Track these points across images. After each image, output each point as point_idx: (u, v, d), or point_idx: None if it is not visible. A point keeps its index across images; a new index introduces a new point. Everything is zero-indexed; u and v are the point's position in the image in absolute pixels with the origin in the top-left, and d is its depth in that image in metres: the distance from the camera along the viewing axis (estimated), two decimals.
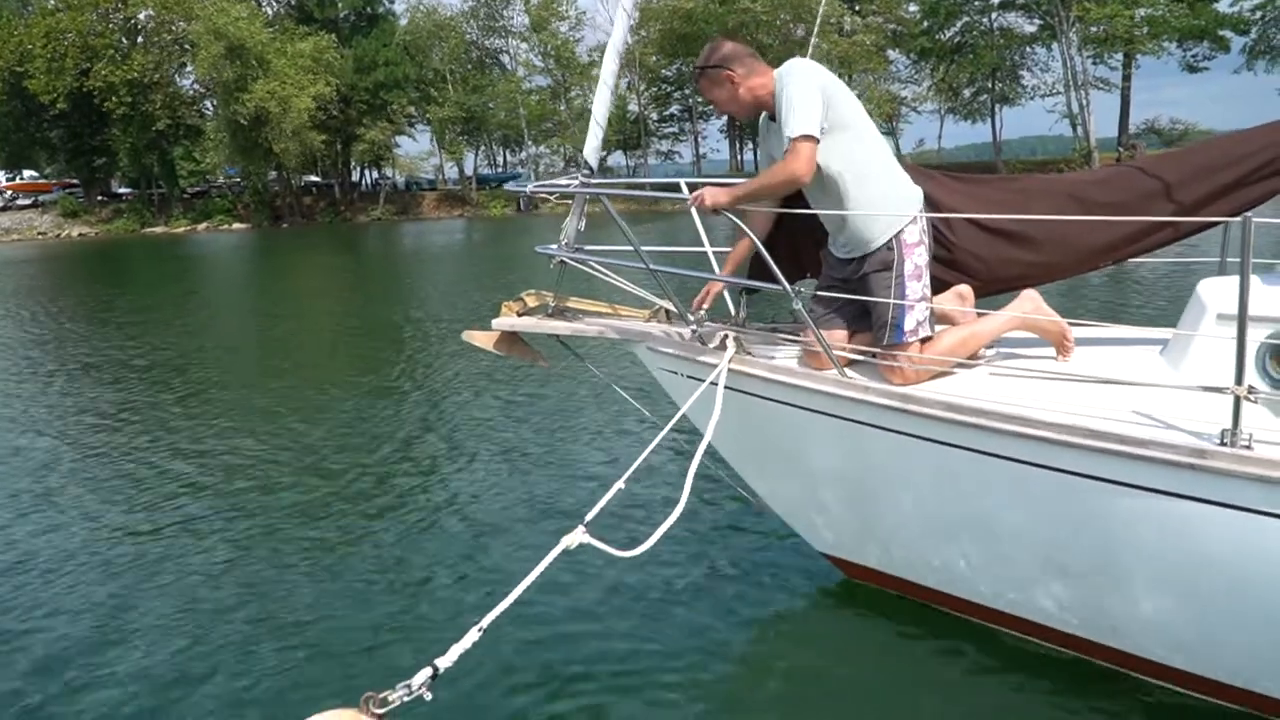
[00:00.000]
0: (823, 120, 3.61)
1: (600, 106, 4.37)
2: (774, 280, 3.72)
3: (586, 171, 4.36)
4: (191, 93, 66.82)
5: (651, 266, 4.04)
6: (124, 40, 62.57)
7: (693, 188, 4.28)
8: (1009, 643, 3.84)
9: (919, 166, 4.19)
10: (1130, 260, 4.10)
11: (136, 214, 66.17)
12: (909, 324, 3.71)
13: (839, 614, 4.36)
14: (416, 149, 77.21)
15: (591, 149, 4.40)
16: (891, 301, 3.70)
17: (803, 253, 4.19)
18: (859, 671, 3.86)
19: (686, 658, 4.00)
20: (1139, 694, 3.50)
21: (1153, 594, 3.28)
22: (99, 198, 69.52)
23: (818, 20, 5.81)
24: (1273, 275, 3.52)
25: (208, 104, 65.98)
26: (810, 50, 5.06)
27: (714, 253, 4.52)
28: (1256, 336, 2.98)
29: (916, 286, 3.74)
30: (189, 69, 64.11)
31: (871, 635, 4.10)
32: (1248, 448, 2.86)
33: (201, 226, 63.87)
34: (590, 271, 4.42)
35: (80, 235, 62.71)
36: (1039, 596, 3.65)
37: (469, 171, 68.89)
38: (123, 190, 73.84)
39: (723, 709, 3.70)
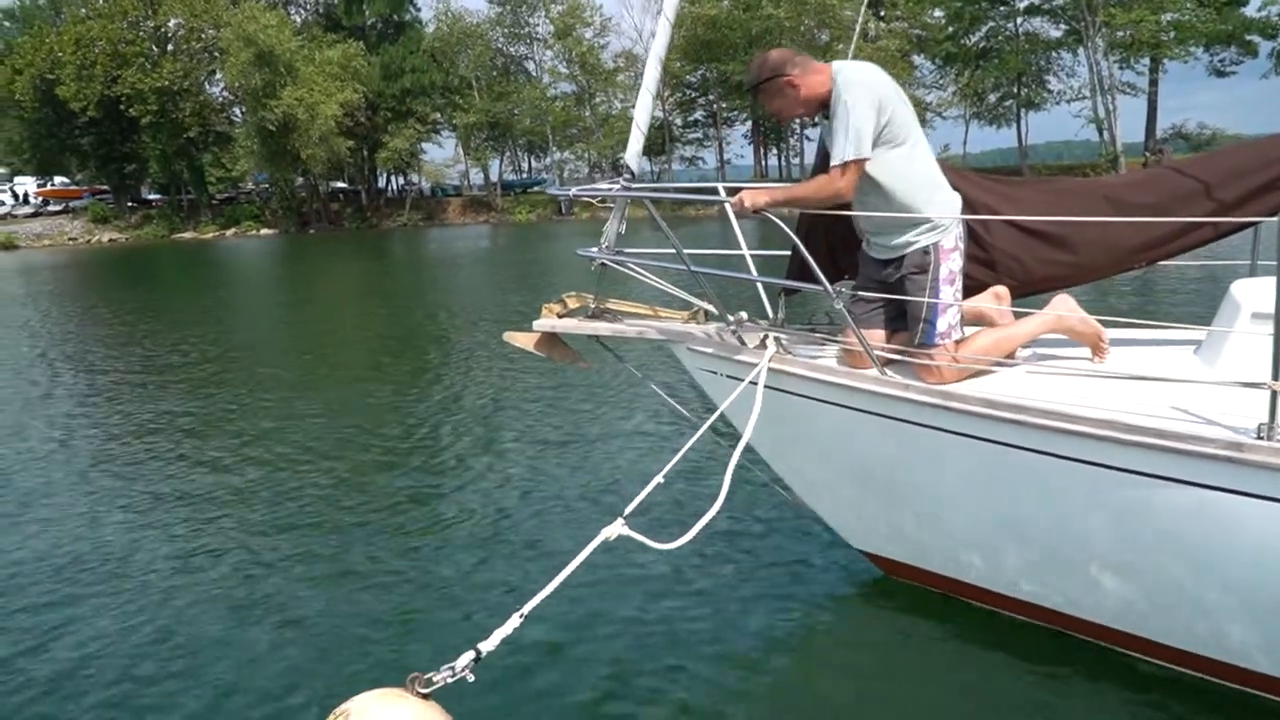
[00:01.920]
0: (876, 134, 3.70)
1: (642, 113, 4.46)
2: (814, 280, 3.81)
3: (628, 176, 4.44)
4: (220, 100, 67.62)
5: (693, 268, 4.14)
6: (154, 48, 63.36)
7: (730, 192, 4.38)
8: (1047, 637, 3.91)
9: (958, 169, 4.27)
10: (1163, 262, 4.18)
11: (166, 220, 66.99)
12: (941, 326, 3.80)
13: (876, 611, 4.43)
14: (442, 155, 77.94)
15: (633, 154, 4.49)
16: (926, 300, 3.79)
17: (840, 255, 4.28)
18: (896, 667, 3.93)
19: (722, 651, 4.09)
20: (1183, 690, 3.55)
21: (1195, 587, 3.35)
22: (129, 204, 70.32)
23: (856, 35, 5.85)
24: None
25: (236, 111, 66.74)
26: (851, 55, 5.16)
27: (751, 255, 4.61)
28: None
29: (949, 291, 3.83)
30: (218, 76, 64.90)
31: (909, 632, 4.17)
32: None
33: (230, 232, 64.57)
34: (628, 274, 4.53)
35: (110, 241, 63.50)
36: (1078, 591, 3.72)
37: (494, 177, 69.30)
38: (152, 196, 74.78)
39: (759, 703, 3.77)
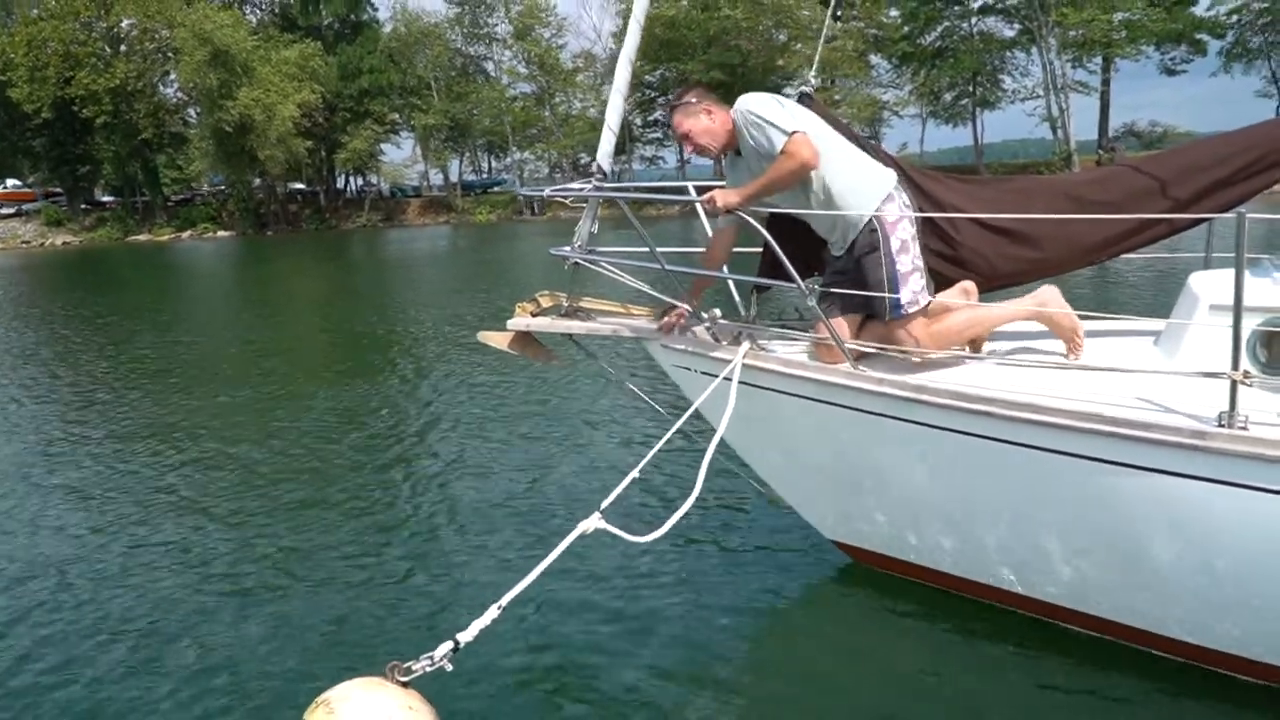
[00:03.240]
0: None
1: (613, 114, 4.52)
2: (786, 277, 3.89)
3: (600, 176, 4.50)
4: (175, 100, 66.60)
5: (667, 267, 4.21)
6: (106, 49, 62.27)
7: (700, 190, 4.47)
8: (1018, 623, 4.03)
9: (922, 169, 4.39)
10: (1122, 255, 4.32)
11: (120, 222, 65.82)
12: (905, 296, 3.92)
13: (848, 598, 4.54)
14: (401, 156, 77.15)
15: (604, 154, 4.54)
16: (884, 275, 3.89)
17: (807, 253, 4.37)
18: (867, 653, 4.04)
19: (698, 640, 4.18)
20: (1151, 672, 3.67)
21: (1160, 569, 3.47)
22: (82, 206, 69.04)
23: (821, 38, 5.91)
24: (1259, 268, 3.73)
25: (191, 112, 65.79)
26: (814, 67, 5.27)
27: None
28: (1248, 325, 3.18)
29: (905, 260, 3.95)
30: (172, 77, 63.89)
31: (880, 618, 4.28)
32: (1244, 429, 3.08)
33: (186, 234, 63.60)
34: (598, 273, 4.57)
35: (64, 244, 62.32)
36: (1048, 576, 3.84)
37: (454, 178, 68.89)
38: (106, 198, 73.42)
39: (734, 688, 3.86)
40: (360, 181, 73.96)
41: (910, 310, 3.93)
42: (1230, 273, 3.12)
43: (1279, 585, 3.24)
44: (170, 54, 61.61)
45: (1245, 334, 3.17)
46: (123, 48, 63.08)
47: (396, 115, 66.51)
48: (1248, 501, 3.11)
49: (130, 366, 12.26)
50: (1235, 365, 3.09)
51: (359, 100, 63.41)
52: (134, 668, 4.18)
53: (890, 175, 4.07)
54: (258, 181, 64.31)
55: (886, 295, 3.91)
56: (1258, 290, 3.42)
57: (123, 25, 62.61)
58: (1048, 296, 4.11)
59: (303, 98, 57.56)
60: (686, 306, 4.37)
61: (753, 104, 3.99)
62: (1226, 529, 3.23)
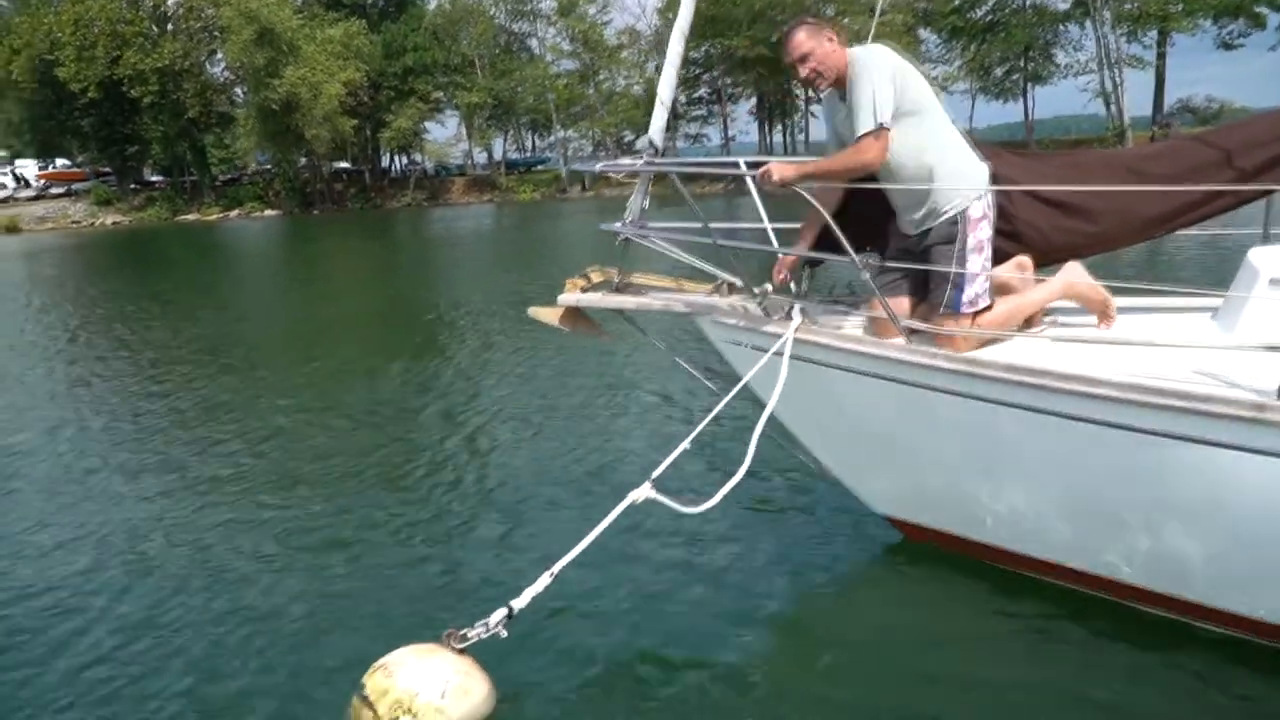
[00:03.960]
0: (894, 107, 3.78)
1: (666, 88, 4.51)
2: (841, 252, 3.89)
3: (652, 151, 4.50)
4: (222, 80, 67.33)
5: (719, 242, 4.22)
6: (153, 28, 63.01)
7: (752, 165, 4.45)
8: (1068, 596, 4.01)
9: (984, 143, 4.34)
10: (1178, 232, 4.26)
11: (169, 201, 66.79)
12: (968, 294, 3.88)
13: (899, 573, 4.54)
14: (445, 134, 77.52)
15: (657, 129, 4.52)
16: (953, 270, 3.87)
17: (866, 226, 4.35)
18: (919, 628, 4.03)
19: (745, 613, 4.20)
20: (1207, 645, 3.64)
21: (1218, 543, 3.45)
22: (131, 186, 70.15)
23: (874, 21, 5.83)
24: None
25: (238, 91, 66.51)
26: (871, 37, 5.21)
27: (773, 229, 4.68)
28: None
29: (978, 260, 3.90)
30: (219, 56, 64.60)
31: (933, 593, 4.27)
32: None
33: (234, 214, 64.46)
34: (641, 249, 4.59)
35: (114, 223, 63.38)
36: (1102, 550, 3.81)
37: (498, 156, 69.10)
38: (155, 178, 74.50)
39: (782, 663, 3.88)
40: (405, 160, 74.53)
41: (967, 310, 3.91)
42: None
43: None
44: (216, 33, 62.21)
45: None
46: (169, 27, 63.84)
47: (441, 93, 66.76)
48: None
49: (188, 345, 12.49)
50: None
51: (403, 78, 63.69)
52: (198, 630, 4.31)
53: (985, 170, 4.01)
54: (303, 161, 64.92)
55: (950, 288, 3.90)
56: None
57: (169, 4, 63.37)
58: (1073, 272, 4.09)
59: (348, 76, 57.94)
60: (739, 281, 4.36)
61: (867, 67, 3.80)
62: None
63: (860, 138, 3.77)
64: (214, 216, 63.93)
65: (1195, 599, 3.65)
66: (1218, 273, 3.96)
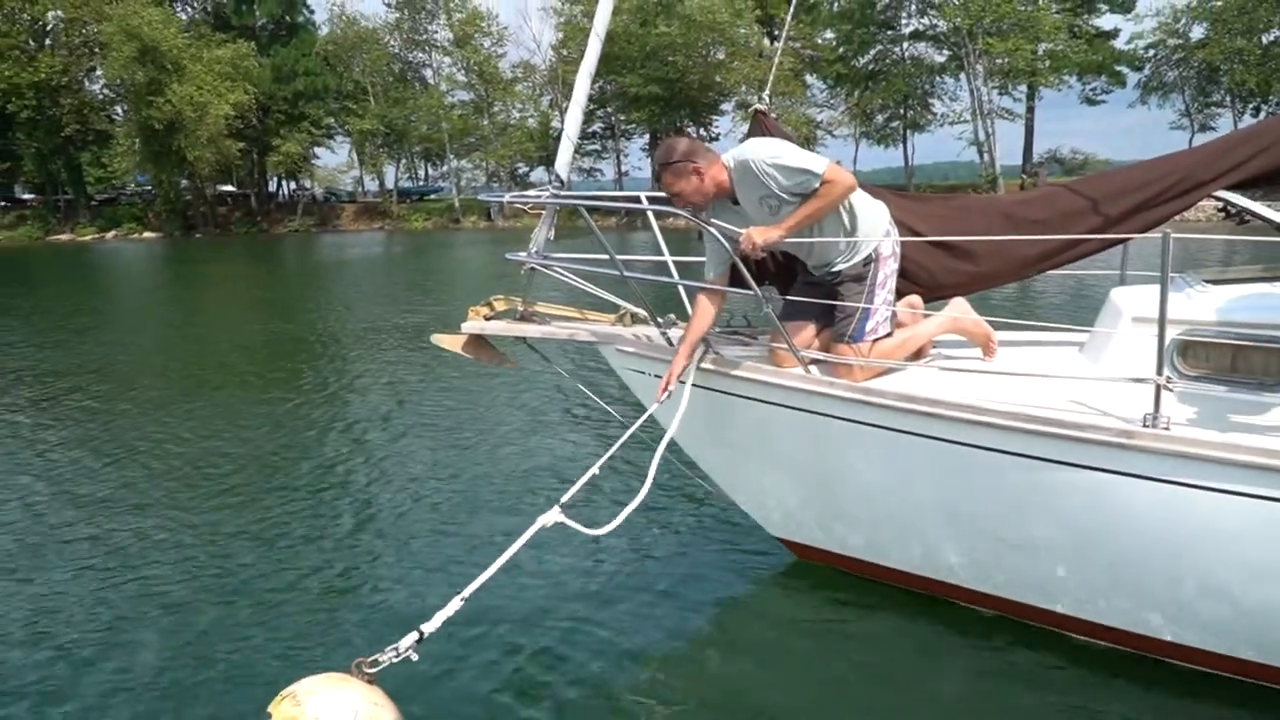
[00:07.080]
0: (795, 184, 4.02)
1: (572, 124, 4.66)
2: (744, 285, 4.07)
3: (557, 184, 4.63)
4: (101, 97, 64.98)
5: (625, 273, 4.35)
6: (31, 42, 60.62)
7: (652, 200, 4.62)
8: (951, 611, 4.28)
9: (874, 185, 4.61)
10: (1051, 271, 4.61)
11: (41, 220, 63.99)
12: (870, 325, 4.16)
13: (790, 592, 4.75)
14: (336, 160, 76.18)
15: (563, 164, 4.67)
16: (862, 306, 4.11)
17: (764, 264, 4.57)
18: (807, 647, 4.22)
19: (647, 630, 4.36)
20: (1084, 659, 3.91)
21: (1089, 559, 3.75)
22: (1, 203, 66.92)
23: (773, 66, 6.09)
24: (1175, 285, 4.03)
25: (118, 109, 64.22)
26: (768, 85, 5.46)
27: (673, 261, 4.84)
28: (1168, 335, 3.46)
29: (882, 294, 4.20)
30: (99, 73, 62.36)
31: (821, 611, 4.48)
32: (1167, 429, 3.38)
33: (110, 235, 62.03)
34: (554, 279, 4.69)
35: None
36: (986, 568, 4.10)
37: (389, 184, 68.23)
38: (26, 196, 71.27)
39: (679, 679, 4.01)
40: (293, 185, 72.87)
41: (868, 338, 4.16)
42: (1149, 288, 3.41)
43: (1197, 571, 3.52)
44: (97, 49, 60.11)
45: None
46: (48, 41, 61.41)
47: (332, 119, 65.79)
48: (1168, 494, 3.39)
49: (53, 371, 12.00)
50: (1160, 370, 3.38)
51: (293, 103, 62.58)
52: (82, 670, 4.17)
53: (885, 209, 4.29)
54: (185, 182, 62.94)
55: (855, 320, 4.14)
56: (1176, 305, 3.71)
57: (48, 17, 60.96)
58: (958, 308, 4.44)
59: (238, 99, 56.62)
60: (642, 312, 4.51)
61: (769, 151, 4.02)
62: (1150, 521, 3.49)
63: (822, 175, 3.94)
64: (89, 237, 61.41)
65: (1073, 613, 3.93)
66: (1073, 308, 4.30)
